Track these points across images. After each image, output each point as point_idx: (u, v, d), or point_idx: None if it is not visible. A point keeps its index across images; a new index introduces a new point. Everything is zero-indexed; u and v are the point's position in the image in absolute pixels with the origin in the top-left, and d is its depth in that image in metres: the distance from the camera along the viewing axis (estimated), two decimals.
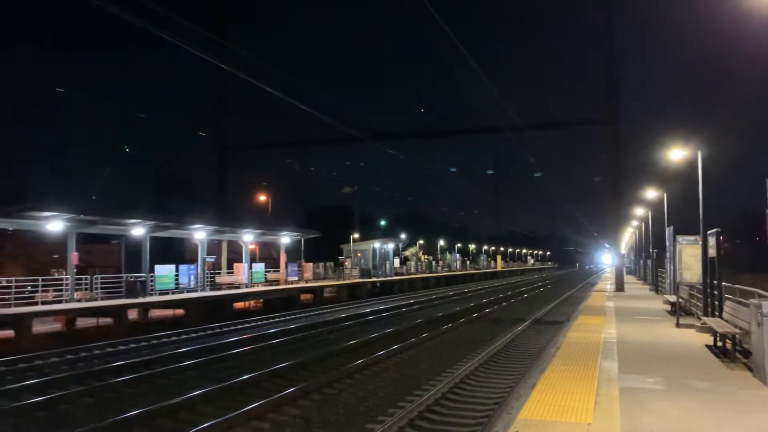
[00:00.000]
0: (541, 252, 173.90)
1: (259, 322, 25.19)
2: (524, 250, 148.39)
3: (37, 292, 22.22)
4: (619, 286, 35.78)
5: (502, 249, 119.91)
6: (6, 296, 20.95)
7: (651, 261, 38.35)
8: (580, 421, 6.69)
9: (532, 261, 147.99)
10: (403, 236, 67.36)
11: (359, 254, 52.72)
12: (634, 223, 54.17)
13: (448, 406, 10.57)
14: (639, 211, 44.43)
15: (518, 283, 68.40)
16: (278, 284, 35.33)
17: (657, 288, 32.92)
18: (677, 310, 17.27)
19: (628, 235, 68.45)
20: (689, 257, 16.94)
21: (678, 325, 15.93)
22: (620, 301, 26.09)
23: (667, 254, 24.06)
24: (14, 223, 23.90)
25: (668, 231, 22.53)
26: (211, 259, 32.04)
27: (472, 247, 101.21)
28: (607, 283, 47.59)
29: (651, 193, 33.15)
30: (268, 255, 46.10)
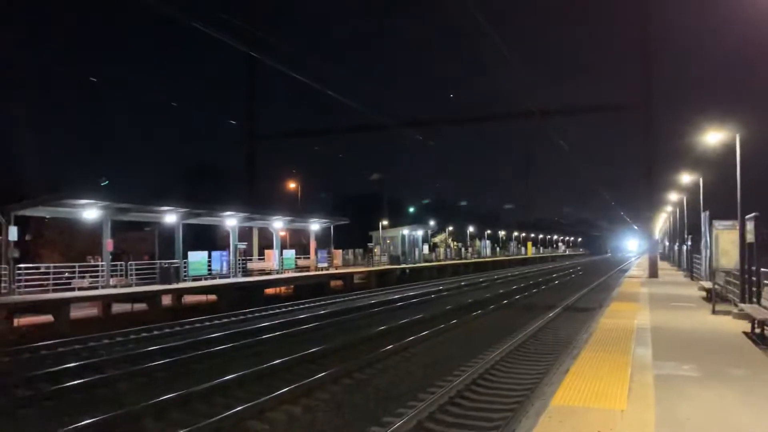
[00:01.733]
0: (571, 238, 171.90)
1: (290, 308, 25.43)
2: (554, 237, 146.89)
3: (74, 278, 22.76)
4: (653, 273, 35.19)
5: (532, 235, 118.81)
6: (45, 282, 21.51)
7: (686, 247, 37.63)
8: (614, 407, 6.61)
9: (563, 248, 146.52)
10: (432, 223, 67.22)
11: (388, 241, 52.82)
12: (668, 208, 53.14)
13: (479, 392, 10.54)
14: (673, 196, 43.55)
15: (549, 269, 67.79)
16: (308, 270, 35.60)
17: (692, 274, 32.29)
18: (713, 297, 16.91)
19: (661, 221, 67.24)
20: (726, 243, 16.53)
21: (714, 312, 15.62)
22: (654, 288, 25.68)
23: (703, 240, 23.56)
24: (51, 211, 24.48)
25: (704, 216, 22.02)
26: (242, 245, 32.40)
27: (501, 233, 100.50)
28: (640, 270, 46.89)
29: (686, 178, 32.46)
30: (298, 242, 46.43)
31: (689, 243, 35.64)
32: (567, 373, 8.44)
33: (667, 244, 67.00)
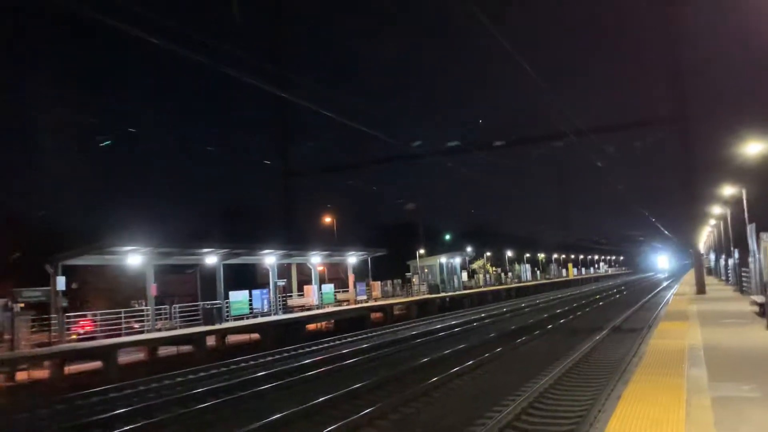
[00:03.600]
0: (613, 258, 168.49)
1: (332, 343, 25.42)
2: (596, 257, 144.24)
3: (120, 323, 23.22)
4: (701, 289, 34.19)
5: (572, 256, 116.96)
6: (93, 329, 21.99)
7: (732, 260, 36.54)
8: None
9: (606, 267, 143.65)
10: (469, 249, 66.76)
11: (426, 270, 52.54)
12: (712, 222, 51.80)
13: (529, 422, 10.34)
14: (716, 210, 42.47)
15: (592, 291, 66.52)
16: (348, 304, 35.61)
17: (741, 289, 31.28)
18: (766, 311, 16.35)
19: (705, 235, 65.57)
20: None
21: None
22: (702, 305, 24.93)
23: (750, 253, 22.89)
24: (97, 259, 25.11)
25: (750, 228, 21.45)
26: (282, 282, 32.65)
27: (541, 256, 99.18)
28: (686, 286, 45.63)
29: (728, 190, 31.68)
30: (336, 275, 46.57)
31: (737, 256, 34.62)
32: (620, 399, 8.22)
33: (712, 258, 65.19)
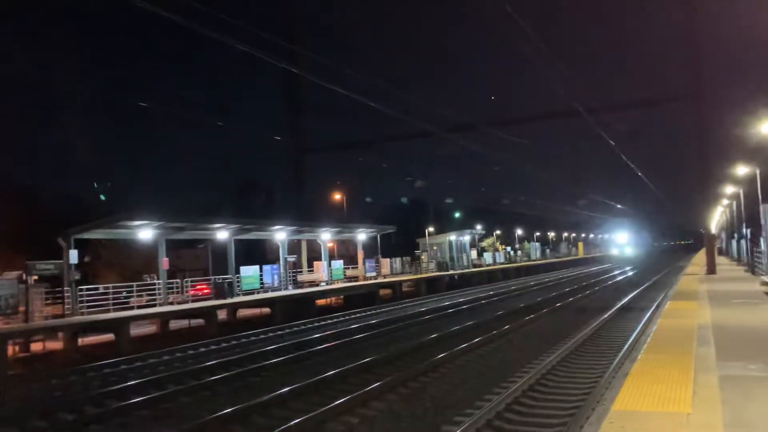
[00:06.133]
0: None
1: (342, 318, 25.63)
2: (607, 236, 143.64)
3: (132, 297, 23.50)
4: (711, 269, 34.03)
5: (583, 235, 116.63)
6: (105, 302, 22.27)
7: (745, 241, 36.31)
8: (679, 411, 6.44)
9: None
10: (478, 227, 66.70)
11: (435, 247, 52.64)
12: (725, 201, 51.40)
13: (536, 398, 10.43)
14: (729, 189, 42.12)
15: (602, 270, 66.43)
16: (357, 280, 35.81)
17: (753, 269, 31.14)
18: None
19: (717, 214, 65.11)
20: None
21: None
22: (713, 284, 24.85)
23: (763, 233, 22.75)
24: (109, 233, 25.31)
25: (763, 208, 21.32)
26: (292, 258, 32.85)
27: (551, 234, 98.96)
28: (696, 267, 45.46)
29: (742, 169, 31.39)
30: (345, 252, 46.79)
31: (749, 236, 34.39)
32: (627, 376, 8.26)
33: (723, 238, 64.81)
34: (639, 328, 16.95)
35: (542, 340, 16.68)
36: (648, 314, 19.62)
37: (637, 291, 31.44)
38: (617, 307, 23.62)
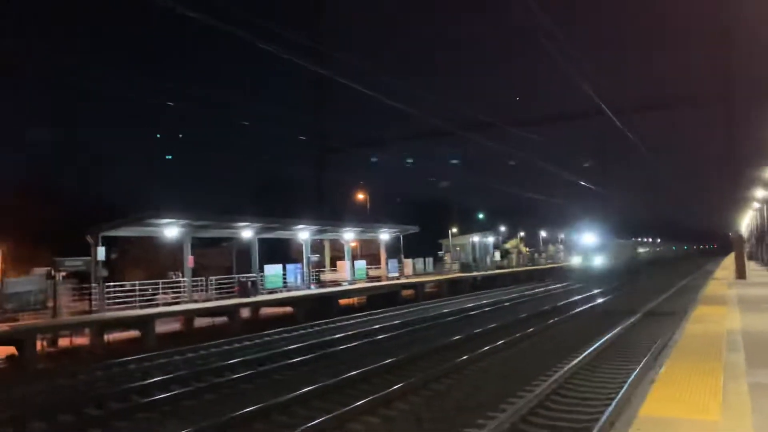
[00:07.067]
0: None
1: (364, 318, 25.64)
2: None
3: (157, 294, 23.79)
4: (741, 273, 33.38)
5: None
6: (131, 299, 22.59)
7: None
8: (707, 418, 6.30)
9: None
10: (502, 229, 66.29)
11: (458, 248, 52.44)
12: (756, 205, 50.37)
13: (560, 402, 10.31)
14: (760, 193, 41.24)
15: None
16: (379, 280, 35.81)
17: None
18: None
19: (747, 218, 63.92)
20: None
21: None
22: (743, 289, 24.36)
23: None
24: (135, 230, 25.67)
25: None
26: (315, 257, 32.99)
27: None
28: (725, 271, 44.61)
29: None
30: (368, 252, 46.80)
31: None
32: (654, 382, 8.12)
33: (753, 242, 63.55)
34: (665, 334, 16.66)
35: (566, 343, 16.46)
36: (675, 319, 19.26)
37: (665, 295, 30.86)
38: (643, 311, 23.24)
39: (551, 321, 21.24)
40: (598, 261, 46.03)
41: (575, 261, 48.98)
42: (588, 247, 48.39)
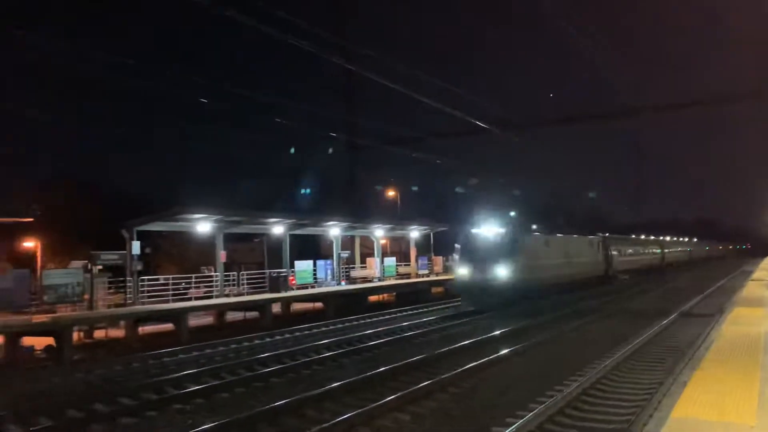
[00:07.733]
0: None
1: (394, 315, 25.67)
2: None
3: (190, 288, 24.18)
4: None
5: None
6: (165, 293, 23.01)
7: None
8: (742, 422, 6.18)
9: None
10: (533, 227, 65.43)
11: None
12: None
13: (591, 402, 10.21)
14: None
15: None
16: (409, 278, 35.81)
17: None
18: None
19: None
20: None
21: None
22: None
23: None
24: (169, 225, 26.10)
25: None
26: (345, 254, 33.14)
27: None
28: (765, 272, 43.50)
29: None
30: (398, 249, 46.82)
31: None
32: (687, 384, 7.99)
33: None
34: (701, 335, 16.32)
35: (598, 344, 16.25)
36: (710, 320, 18.87)
37: (700, 296, 30.25)
38: (678, 312, 22.81)
39: (581, 321, 20.95)
40: (503, 273, 25.70)
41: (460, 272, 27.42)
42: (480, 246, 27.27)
